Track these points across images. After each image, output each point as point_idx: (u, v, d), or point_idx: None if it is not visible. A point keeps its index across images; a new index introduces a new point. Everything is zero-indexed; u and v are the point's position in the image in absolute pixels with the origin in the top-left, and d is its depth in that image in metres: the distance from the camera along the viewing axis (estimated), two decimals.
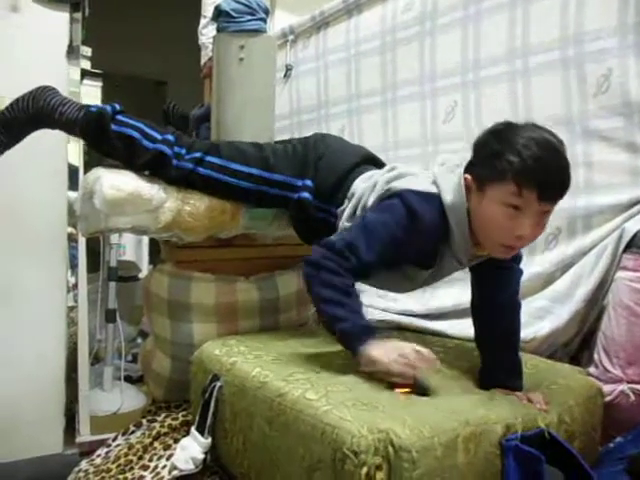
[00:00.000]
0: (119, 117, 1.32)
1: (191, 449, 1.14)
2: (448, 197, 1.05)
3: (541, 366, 1.19)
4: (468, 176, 1.04)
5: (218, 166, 1.31)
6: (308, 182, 1.29)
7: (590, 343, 1.30)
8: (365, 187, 1.20)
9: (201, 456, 1.13)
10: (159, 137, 1.31)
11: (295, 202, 1.30)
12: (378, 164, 1.34)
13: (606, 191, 1.29)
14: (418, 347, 0.99)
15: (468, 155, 1.07)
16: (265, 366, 1.08)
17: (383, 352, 0.97)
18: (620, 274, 1.22)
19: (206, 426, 1.14)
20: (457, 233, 1.05)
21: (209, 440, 1.14)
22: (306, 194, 1.28)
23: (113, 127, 1.30)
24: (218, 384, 1.14)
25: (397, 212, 1.05)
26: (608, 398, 1.16)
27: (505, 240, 0.99)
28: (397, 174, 1.15)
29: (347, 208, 1.22)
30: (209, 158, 1.31)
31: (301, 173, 1.30)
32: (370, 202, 1.15)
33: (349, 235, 1.06)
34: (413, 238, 1.05)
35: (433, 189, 1.08)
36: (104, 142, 1.33)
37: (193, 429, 1.17)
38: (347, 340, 1.01)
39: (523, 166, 0.93)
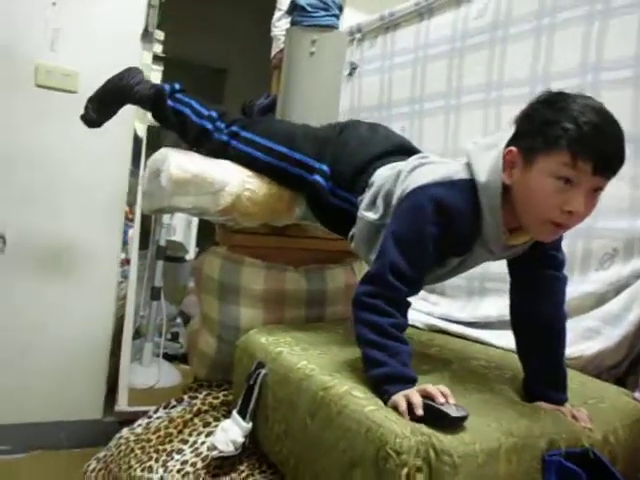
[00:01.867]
0: (177, 95, 1.45)
1: (232, 432, 1.16)
2: (482, 177, 0.97)
3: (588, 384, 1.18)
4: (514, 148, 0.94)
5: (250, 140, 1.37)
6: (324, 167, 1.28)
7: (637, 367, 1.28)
8: (387, 176, 1.14)
9: (241, 439, 1.15)
10: (205, 113, 1.42)
11: (309, 184, 1.29)
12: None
13: None
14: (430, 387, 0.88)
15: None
16: (311, 359, 1.10)
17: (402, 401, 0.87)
18: None
19: (248, 411, 1.16)
20: (488, 216, 0.97)
21: (250, 425, 1.16)
22: (319, 178, 1.27)
23: (170, 103, 1.44)
24: (263, 371, 1.15)
25: (423, 210, 0.98)
26: None
27: (553, 216, 0.90)
28: (420, 162, 1.10)
29: (366, 197, 1.17)
30: (244, 133, 1.38)
31: (320, 155, 1.29)
32: (395, 195, 1.07)
33: (386, 259, 0.98)
34: (448, 231, 0.98)
35: (460, 175, 1.00)
36: (163, 117, 1.48)
37: (235, 412, 1.19)
38: (379, 384, 0.93)
39: (580, 134, 0.85)
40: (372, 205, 1.15)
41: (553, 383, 1.06)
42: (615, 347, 1.27)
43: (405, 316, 1.00)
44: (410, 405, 0.85)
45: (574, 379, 1.15)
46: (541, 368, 1.07)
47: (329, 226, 1.36)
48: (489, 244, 1.02)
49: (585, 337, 1.32)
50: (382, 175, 1.16)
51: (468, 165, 1.01)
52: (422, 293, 1.72)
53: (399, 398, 0.87)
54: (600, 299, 1.34)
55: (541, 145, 0.89)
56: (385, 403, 0.90)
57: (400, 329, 0.97)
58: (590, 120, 0.85)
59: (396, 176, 1.11)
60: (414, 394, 0.86)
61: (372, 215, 1.13)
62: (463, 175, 1.00)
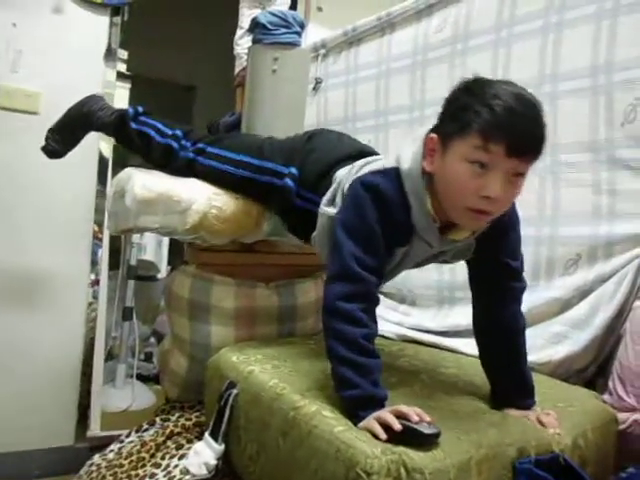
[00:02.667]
0: (141, 117, 1.45)
1: (205, 455, 1.14)
2: (405, 164, 0.98)
3: (557, 387, 1.19)
4: (434, 135, 0.94)
5: (216, 155, 1.37)
6: (293, 170, 1.28)
7: (605, 370, 1.30)
8: (344, 173, 1.16)
9: (214, 462, 1.13)
10: (170, 132, 1.42)
11: (278, 188, 1.29)
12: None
13: (629, 219, 1.29)
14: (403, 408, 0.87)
15: None
16: (282, 377, 1.09)
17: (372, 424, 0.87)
18: (638, 303, 1.23)
19: (220, 432, 1.14)
20: (415, 204, 0.98)
21: (223, 446, 1.14)
22: (289, 181, 1.27)
23: (133, 126, 1.44)
24: (234, 391, 1.14)
25: (361, 198, 0.99)
26: (622, 426, 1.16)
27: (470, 202, 0.89)
28: (374, 159, 1.11)
29: (327, 194, 1.17)
30: (210, 149, 1.38)
31: (289, 161, 1.30)
32: (345, 189, 1.10)
33: (344, 251, 0.97)
34: (386, 217, 0.98)
35: (390, 164, 1.02)
36: (127, 140, 1.48)
37: (207, 434, 1.17)
38: (350, 406, 0.92)
39: (490, 116, 0.85)
40: (332, 201, 1.15)
41: (518, 389, 1.07)
42: (582, 351, 1.29)
43: (375, 320, 0.99)
44: (384, 425, 0.84)
45: (543, 383, 1.17)
46: (505, 376, 1.08)
47: (296, 231, 1.35)
48: (423, 234, 1.01)
49: (553, 342, 1.34)
50: (341, 173, 1.17)
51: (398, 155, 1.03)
52: (392, 303, 1.73)
53: (371, 422, 0.86)
54: (566, 304, 1.37)
55: (455, 130, 0.90)
56: (356, 425, 0.89)
57: (372, 339, 0.96)
58: (503, 103, 0.85)
59: (349, 172, 1.14)
60: (386, 415, 0.86)
61: (332, 210, 1.13)
62: (394, 164, 1.02)
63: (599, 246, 1.33)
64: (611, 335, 1.28)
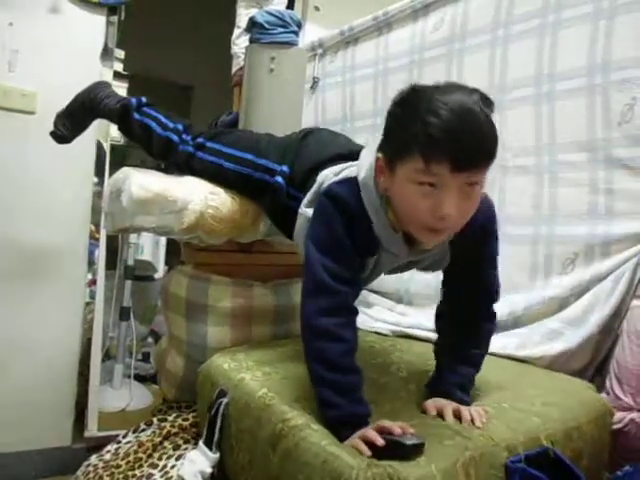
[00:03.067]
0: (144, 108, 1.45)
1: (199, 463, 1.14)
2: (362, 175, 0.96)
3: (552, 379, 1.20)
4: (380, 156, 0.92)
5: (216, 150, 1.36)
6: (285, 168, 1.27)
7: (603, 370, 1.30)
8: (326, 174, 1.12)
9: (209, 470, 1.13)
10: (171, 125, 1.41)
11: (270, 186, 1.28)
12: None
13: (626, 219, 1.29)
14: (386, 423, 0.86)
15: None
16: (272, 387, 1.07)
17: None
18: (636, 302, 1.23)
19: (214, 441, 1.13)
20: (373, 216, 0.96)
21: (217, 455, 1.13)
22: (280, 179, 1.26)
23: (136, 116, 1.44)
24: (225, 400, 1.12)
25: (326, 208, 0.98)
26: (618, 426, 1.16)
27: (427, 222, 0.87)
28: (353, 163, 1.07)
29: (309, 194, 1.14)
30: (210, 144, 1.38)
31: (282, 158, 1.29)
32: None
33: (315, 264, 0.95)
34: (350, 225, 0.96)
35: (353, 173, 1.00)
36: (129, 130, 1.47)
37: (201, 443, 1.17)
38: (334, 426, 0.91)
39: (427, 137, 0.80)
40: (312, 202, 1.12)
41: (454, 384, 1.01)
42: (578, 348, 1.29)
43: (355, 332, 0.97)
44: (368, 442, 0.84)
45: (537, 374, 1.18)
46: (450, 366, 1.04)
47: (284, 230, 1.33)
48: (388, 246, 0.99)
49: (548, 338, 1.34)
50: (324, 174, 1.14)
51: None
52: (389, 303, 1.73)
53: (355, 441, 0.85)
54: (563, 303, 1.37)
55: (396, 153, 0.87)
56: (341, 442, 0.88)
57: (350, 355, 0.94)
58: (439, 118, 0.80)
59: (330, 173, 1.10)
60: (369, 432, 0.85)
61: (310, 211, 1.10)
62: (355, 173, 1.00)
63: (596, 245, 1.33)
64: (608, 335, 1.28)
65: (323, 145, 1.28)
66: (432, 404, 0.99)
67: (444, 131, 0.80)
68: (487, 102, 0.85)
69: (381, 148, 0.93)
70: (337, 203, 0.97)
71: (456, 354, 1.05)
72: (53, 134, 1.57)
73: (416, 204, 0.86)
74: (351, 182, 0.99)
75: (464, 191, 0.84)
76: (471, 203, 0.87)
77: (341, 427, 0.89)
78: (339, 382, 0.92)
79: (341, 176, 1.04)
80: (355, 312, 0.99)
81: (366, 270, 1.04)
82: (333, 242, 0.96)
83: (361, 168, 0.98)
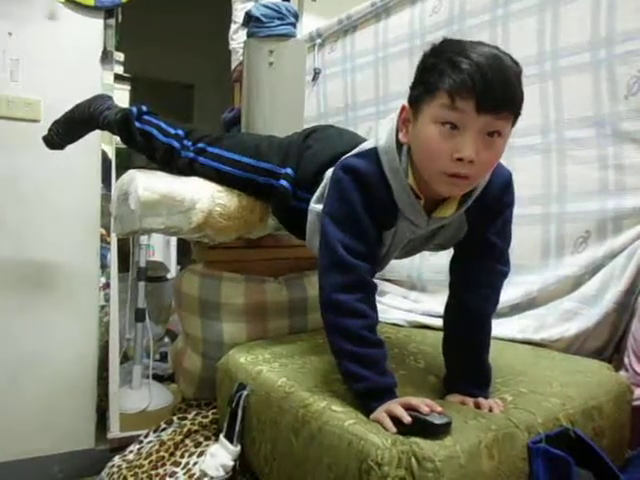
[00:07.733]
0: (144, 116, 1.45)
1: (221, 456, 1.15)
2: (381, 142, 0.96)
3: (570, 360, 1.20)
4: (406, 104, 0.91)
5: (217, 155, 1.36)
6: (289, 170, 1.26)
7: (621, 347, 1.29)
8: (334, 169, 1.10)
9: (231, 463, 1.14)
10: (172, 132, 1.41)
11: (276, 189, 1.28)
12: None
13: (636, 193, 1.28)
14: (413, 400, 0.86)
15: None
16: (290, 376, 1.08)
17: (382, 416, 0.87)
18: None
19: (235, 434, 1.15)
20: (393, 181, 0.95)
21: (238, 448, 1.14)
22: (284, 182, 1.26)
23: (137, 125, 1.44)
24: (244, 393, 1.14)
25: (343, 182, 0.97)
26: (637, 402, 1.15)
27: (445, 166, 0.85)
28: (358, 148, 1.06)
29: (317, 191, 1.14)
30: (211, 149, 1.38)
31: (284, 161, 1.29)
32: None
33: (331, 240, 0.95)
34: (369, 198, 0.95)
35: (369, 145, 1.00)
36: (130, 139, 1.47)
37: (222, 436, 1.18)
38: (361, 399, 0.92)
39: (457, 72, 0.80)
40: (321, 197, 1.11)
41: (470, 377, 1.00)
42: (595, 327, 1.28)
43: (375, 308, 0.96)
44: (394, 418, 0.84)
45: (555, 357, 1.17)
46: (460, 360, 1.04)
47: (293, 230, 1.34)
48: (407, 213, 0.98)
49: (564, 319, 1.33)
50: (331, 170, 1.11)
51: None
52: (402, 290, 1.72)
53: (381, 415, 0.86)
54: (577, 282, 1.36)
55: (423, 92, 0.86)
56: (368, 416, 0.88)
57: (372, 329, 0.94)
58: (469, 59, 0.81)
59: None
60: (396, 407, 0.85)
61: (320, 206, 1.09)
62: (372, 145, 0.99)
63: (608, 221, 1.32)
64: (625, 311, 1.26)
65: (328, 144, 1.26)
66: (451, 398, 1.00)
67: (473, 70, 0.80)
68: (518, 65, 0.86)
69: (408, 99, 0.92)
70: (354, 175, 0.96)
71: (465, 351, 1.04)
72: (45, 139, 1.59)
73: (436, 145, 0.85)
74: (368, 153, 0.98)
75: (485, 140, 0.84)
76: (491, 154, 0.86)
77: (368, 399, 0.89)
78: (363, 355, 0.91)
79: (355, 151, 1.02)
80: (374, 287, 0.98)
81: (384, 245, 1.03)
82: (350, 215, 0.96)
83: (380, 137, 0.97)
